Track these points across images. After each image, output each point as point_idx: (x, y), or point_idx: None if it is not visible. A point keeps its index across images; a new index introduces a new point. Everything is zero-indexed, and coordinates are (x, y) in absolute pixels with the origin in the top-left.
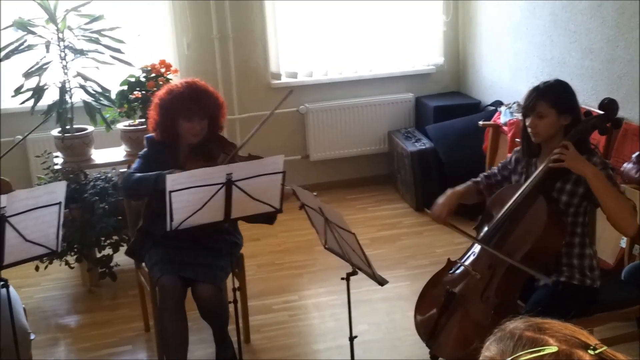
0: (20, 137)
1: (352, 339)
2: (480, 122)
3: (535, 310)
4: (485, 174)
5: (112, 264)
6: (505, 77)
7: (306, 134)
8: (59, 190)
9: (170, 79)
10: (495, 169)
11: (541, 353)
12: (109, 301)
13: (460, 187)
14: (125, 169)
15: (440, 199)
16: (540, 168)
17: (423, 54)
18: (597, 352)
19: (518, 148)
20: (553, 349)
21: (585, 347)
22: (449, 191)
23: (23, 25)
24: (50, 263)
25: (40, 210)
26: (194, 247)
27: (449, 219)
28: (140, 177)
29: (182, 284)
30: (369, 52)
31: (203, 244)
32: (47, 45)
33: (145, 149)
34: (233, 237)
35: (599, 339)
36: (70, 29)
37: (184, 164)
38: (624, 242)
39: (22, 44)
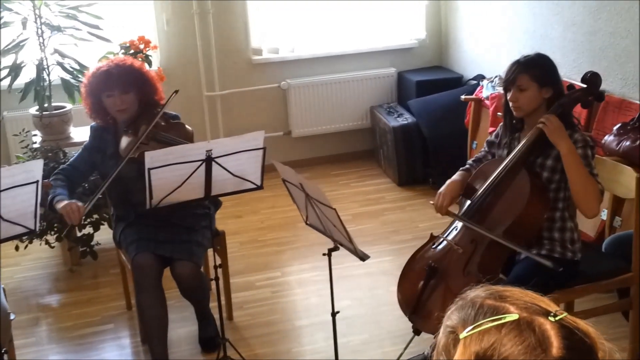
0: None
1: (334, 314)
2: (463, 97)
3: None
4: (474, 158)
5: (93, 243)
6: (488, 51)
7: (288, 110)
8: (35, 168)
9: (150, 56)
10: (482, 151)
11: (502, 321)
12: (90, 280)
13: (456, 177)
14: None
15: (442, 189)
16: (523, 142)
17: (405, 28)
18: (557, 318)
19: (502, 123)
20: (514, 316)
21: (546, 314)
22: (449, 181)
23: None
24: (30, 242)
25: (17, 189)
26: (167, 224)
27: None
28: (56, 185)
29: (158, 262)
30: (351, 27)
31: (175, 221)
32: (24, 22)
33: (88, 140)
34: (203, 208)
35: (580, 310)
36: (46, 5)
37: (118, 143)
38: (604, 215)
39: None
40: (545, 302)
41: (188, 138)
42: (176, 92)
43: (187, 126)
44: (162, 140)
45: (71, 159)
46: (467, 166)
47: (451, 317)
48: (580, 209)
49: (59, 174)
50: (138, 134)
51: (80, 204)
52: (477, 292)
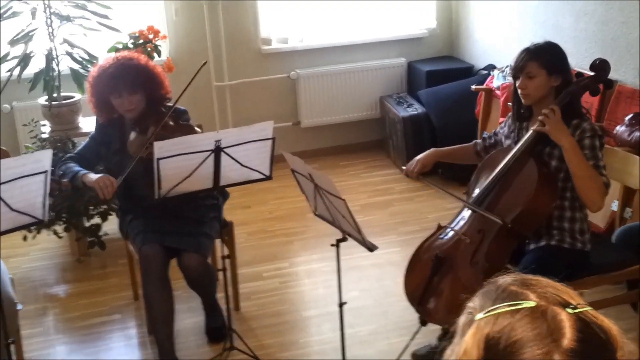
0: (7, 105)
1: (341, 305)
2: (473, 87)
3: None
4: (484, 136)
5: (100, 233)
6: (498, 41)
7: (297, 100)
8: (44, 158)
9: (159, 45)
10: (493, 131)
11: (518, 307)
12: (98, 270)
13: (448, 147)
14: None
15: (419, 155)
16: (530, 131)
17: (415, 17)
18: (576, 311)
19: (511, 112)
20: (531, 304)
21: (565, 305)
22: (431, 149)
23: None
24: (39, 233)
25: (25, 179)
26: (175, 216)
27: (425, 176)
28: (66, 168)
29: (165, 252)
30: (360, 16)
31: (184, 213)
32: (33, 12)
33: (94, 131)
34: (212, 199)
35: (590, 301)
36: None
37: (126, 141)
38: (615, 206)
39: (7, 10)
40: (570, 295)
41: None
42: (205, 63)
43: (195, 127)
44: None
45: (79, 148)
46: (478, 140)
47: (475, 299)
48: (583, 202)
49: (67, 160)
50: (147, 134)
51: (112, 178)
52: (505, 278)
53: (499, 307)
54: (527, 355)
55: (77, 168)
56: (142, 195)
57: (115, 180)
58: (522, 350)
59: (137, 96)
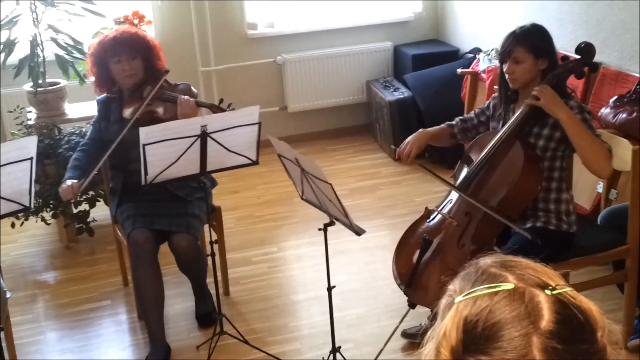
0: None
1: (330, 289)
2: (459, 70)
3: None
4: (461, 117)
5: (89, 220)
6: (484, 24)
7: (284, 85)
8: (30, 145)
9: (144, 31)
10: (472, 113)
11: (496, 289)
12: (87, 257)
13: (432, 128)
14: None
15: (409, 138)
16: (517, 113)
17: (401, 1)
18: (554, 292)
19: (496, 94)
20: (509, 286)
21: (544, 286)
22: (419, 131)
23: None
24: (26, 219)
25: (11, 166)
26: (164, 199)
27: (416, 159)
28: (69, 167)
29: (155, 237)
30: (346, 0)
31: (172, 195)
32: None
33: (97, 114)
34: (199, 182)
35: (575, 283)
36: None
37: (123, 110)
38: (600, 187)
39: None
40: (549, 276)
41: (193, 96)
42: (167, 72)
43: (192, 87)
44: (167, 99)
45: (88, 133)
46: (452, 122)
47: (455, 281)
48: (592, 170)
49: (79, 151)
50: (143, 96)
51: (76, 182)
52: (486, 260)
53: (477, 289)
54: (506, 337)
55: (69, 174)
56: (135, 169)
57: (76, 184)
58: (501, 332)
59: (137, 62)
